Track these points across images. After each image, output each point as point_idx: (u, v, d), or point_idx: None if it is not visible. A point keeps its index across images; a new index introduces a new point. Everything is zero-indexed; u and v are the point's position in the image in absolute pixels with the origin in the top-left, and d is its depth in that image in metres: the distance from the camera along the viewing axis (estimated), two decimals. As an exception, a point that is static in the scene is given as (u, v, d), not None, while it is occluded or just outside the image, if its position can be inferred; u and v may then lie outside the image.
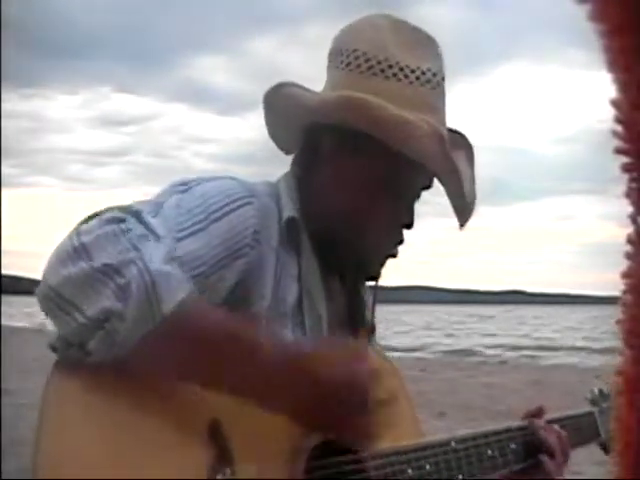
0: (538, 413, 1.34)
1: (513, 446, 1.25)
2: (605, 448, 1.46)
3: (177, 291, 0.92)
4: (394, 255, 1.22)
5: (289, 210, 1.13)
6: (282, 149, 1.27)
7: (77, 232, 0.95)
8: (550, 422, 1.33)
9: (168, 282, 0.92)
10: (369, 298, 1.31)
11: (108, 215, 0.97)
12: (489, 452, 1.21)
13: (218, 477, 0.98)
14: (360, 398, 1.02)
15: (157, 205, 1.03)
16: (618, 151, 0.47)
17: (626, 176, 0.48)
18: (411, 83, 1.14)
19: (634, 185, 0.48)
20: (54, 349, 0.97)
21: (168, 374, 0.96)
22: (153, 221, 0.99)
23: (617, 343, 0.50)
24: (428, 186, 1.22)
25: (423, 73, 1.15)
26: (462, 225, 1.23)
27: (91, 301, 0.90)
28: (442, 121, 1.18)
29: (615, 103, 0.47)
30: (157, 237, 0.97)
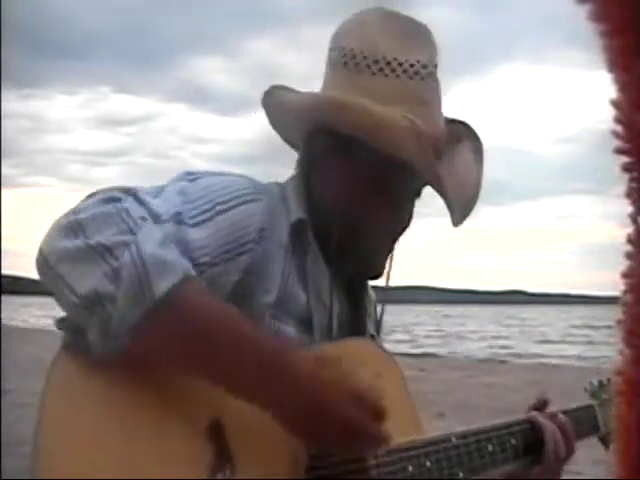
0: (541, 405, 1.33)
1: (513, 441, 1.24)
2: (604, 442, 1.44)
3: (169, 275, 0.90)
4: (391, 250, 1.20)
5: (297, 212, 1.13)
6: (294, 146, 1.26)
7: (73, 210, 0.94)
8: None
9: (161, 266, 0.90)
10: (371, 307, 1.31)
11: (106, 194, 0.96)
12: (489, 447, 1.20)
13: (219, 476, 0.97)
14: (362, 415, 0.99)
15: (159, 188, 1.03)
16: (618, 151, 0.47)
17: (626, 176, 0.48)
18: (398, 77, 1.12)
19: (634, 185, 0.47)
20: (60, 327, 0.97)
21: (160, 359, 0.95)
22: (153, 201, 0.98)
23: (617, 343, 0.50)
24: (426, 184, 1.20)
25: (412, 65, 1.13)
26: (454, 224, 1.19)
27: (83, 279, 0.90)
28: (433, 113, 1.16)
29: (615, 103, 0.47)
30: (156, 217, 0.95)
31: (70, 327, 0.95)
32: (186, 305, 0.92)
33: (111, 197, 0.95)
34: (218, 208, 1.02)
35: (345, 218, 1.15)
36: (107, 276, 0.89)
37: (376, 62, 1.13)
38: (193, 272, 0.93)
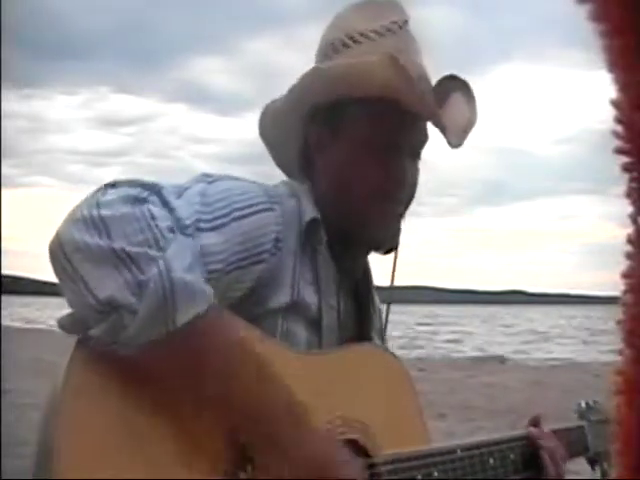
0: (535, 422, 1.35)
1: (512, 457, 1.27)
2: (592, 463, 1.46)
3: (195, 304, 0.88)
4: (398, 216, 1.20)
5: (310, 212, 1.14)
6: (290, 175, 1.27)
7: (97, 202, 0.91)
8: None
9: (187, 293, 0.88)
10: (376, 318, 1.31)
11: (130, 191, 0.93)
12: (491, 461, 1.23)
13: (241, 476, 0.97)
14: None
15: (180, 188, 1.01)
16: (618, 151, 0.47)
17: (626, 176, 0.48)
18: (373, 40, 1.18)
19: (634, 185, 0.48)
20: (63, 327, 0.93)
21: (167, 385, 0.93)
22: (177, 203, 0.96)
23: (617, 343, 0.50)
24: (421, 141, 1.21)
25: (382, 26, 1.18)
26: (452, 145, 1.17)
27: (102, 283, 0.87)
28: (410, 58, 1.17)
29: (615, 103, 0.47)
30: (181, 226, 0.93)
31: (80, 325, 0.92)
32: (204, 336, 0.91)
33: (136, 197, 0.92)
34: (235, 214, 1.01)
35: (350, 195, 1.17)
36: (129, 286, 0.87)
37: (351, 37, 1.19)
38: (215, 301, 0.92)
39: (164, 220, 0.92)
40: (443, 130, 1.17)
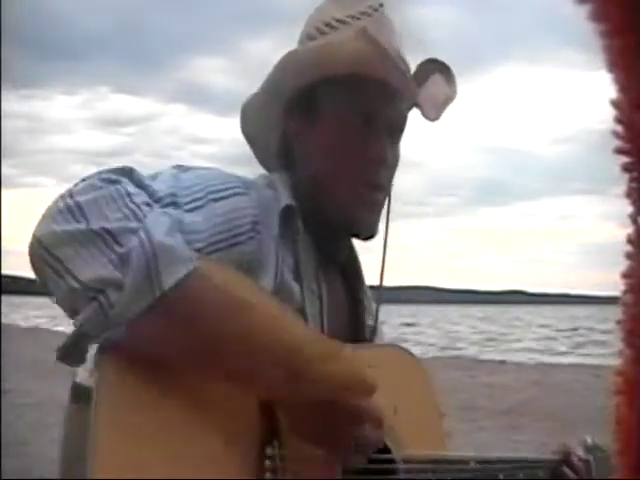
0: (566, 456, 1.33)
1: (521, 476, 1.26)
2: None
3: (179, 266, 0.87)
4: (377, 203, 1.19)
5: (285, 198, 1.13)
6: (270, 171, 1.26)
7: (69, 192, 0.91)
8: (549, 462, 1.32)
9: (170, 256, 0.87)
10: (371, 304, 1.30)
11: (103, 175, 0.93)
12: (500, 477, 1.22)
13: (267, 451, 0.98)
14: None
15: (153, 174, 1.01)
16: (618, 151, 0.47)
17: (626, 176, 0.48)
18: (348, 24, 1.17)
19: (634, 185, 0.48)
20: (61, 356, 0.92)
21: (159, 352, 0.91)
22: (150, 182, 0.96)
23: (617, 343, 0.50)
24: (398, 121, 1.19)
25: (359, 12, 1.18)
26: (429, 119, 1.18)
27: (86, 265, 0.86)
28: (386, 38, 1.15)
29: (615, 103, 0.47)
30: (157, 198, 0.94)
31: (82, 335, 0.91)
32: (191, 298, 0.89)
33: (109, 179, 0.92)
34: (210, 197, 1.01)
35: (328, 179, 1.16)
36: (112, 262, 0.86)
37: (327, 24, 1.18)
38: (197, 261, 0.90)
39: (139, 196, 0.92)
40: (420, 104, 1.17)
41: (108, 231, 0.87)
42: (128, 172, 0.95)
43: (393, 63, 1.12)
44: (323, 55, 1.13)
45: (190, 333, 0.90)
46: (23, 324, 26.25)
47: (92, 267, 0.86)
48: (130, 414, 0.89)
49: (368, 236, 1.20)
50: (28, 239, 0.90)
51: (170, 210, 0.95)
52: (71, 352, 0.92)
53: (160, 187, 0.97)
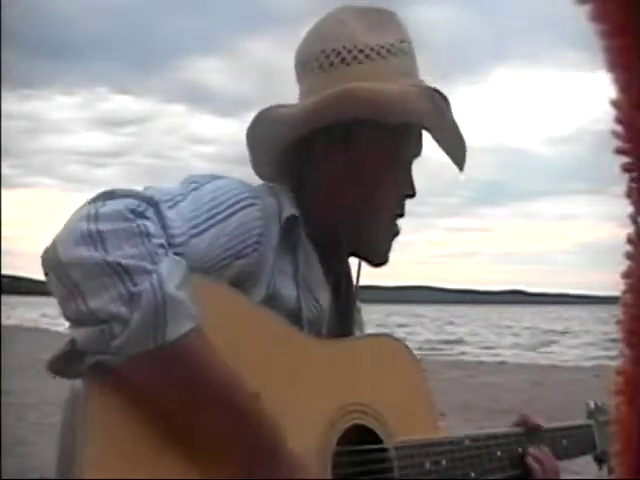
0: (523, 422, 1.34)
1: (519, 450, 1.30)
2: (599, 461, 1.47)
3: (185, 321, 0.91)
4: (397, 233, 1.25)
5: (289, 208, 1.16)
6: (264, 178, 1.28)
7: (95, 215, 0.93)
8: (548, 431, 1.36)
9: (178, 309, 0.91)
10: (361, 316, 1.35)
11: (128, 203, 0.95)
12: (498, 453, 1.26)
13: None
14: None
15: (174, 195, 1.03)
16: (618, 151, 0.47)
17: (626, 176, 0.48)
18: (384, 58, 1.20)
19: (634, 185, 0.48)
20: (52, 367, 0.96)
21: (149, 396, 0.94)
22: (170, 215, 0.99)
23: (617, 343, 0.50)
24: (419, 153, 1.26)
25: (392, 45, 1.21)
26: (461, 167, 1.25)
27: (97, 295, 0.89)
28: (417, 81, 1.24)
29: (615, 103, 0.47)
30: (175, 245, 0.97)
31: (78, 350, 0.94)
32: (189, 354, 0.94)
33: (133, 210, 0.95)
34: (222, 215, 1.05)
35: (359, 206, 1.20)
36: (122, 298, 0.89)
37: (361, 51, 1.19)
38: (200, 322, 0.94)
39: (159, 238, 0.95)
40: (451, 152, 1.24)
41: (122, 266, 0.90)
42: (154, 204, 0.98)
43: (448, 118, 1.20)
44: (385, 102, 1.15)
45: (173, 382, 0.95)
46: (23, 324, 26.26)
47: (102, 298, 0.89)
48: (118, 428, 0.92)
49: (382, 263, 1.25)
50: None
51: (184, 252, 0.98)
52: (63, 364, 0.96)
53: (178, 229, 0.99)
